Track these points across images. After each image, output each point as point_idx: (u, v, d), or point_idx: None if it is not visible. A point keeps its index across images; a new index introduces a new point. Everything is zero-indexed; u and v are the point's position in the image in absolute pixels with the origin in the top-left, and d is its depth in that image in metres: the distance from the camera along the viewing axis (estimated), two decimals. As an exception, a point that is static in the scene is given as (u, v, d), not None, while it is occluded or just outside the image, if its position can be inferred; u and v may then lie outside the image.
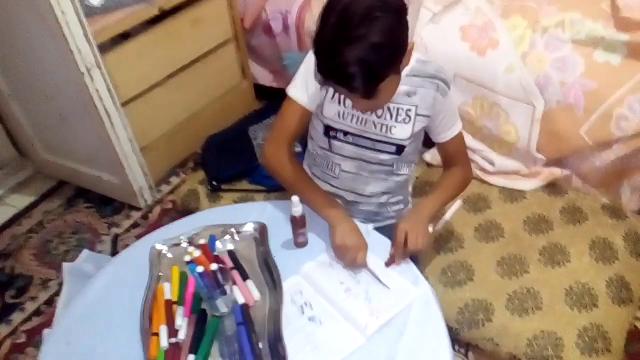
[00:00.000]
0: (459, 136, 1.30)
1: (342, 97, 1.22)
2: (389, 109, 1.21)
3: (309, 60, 1.23)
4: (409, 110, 1.21)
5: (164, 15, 2.02)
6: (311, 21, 2.19)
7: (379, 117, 1.22)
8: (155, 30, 2.03)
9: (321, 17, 0.99)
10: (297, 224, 1.18)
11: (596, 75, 1.67)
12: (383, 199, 1.39)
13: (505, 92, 1.78)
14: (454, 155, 1.34)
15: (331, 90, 1.22)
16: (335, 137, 1.28)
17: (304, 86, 1.24)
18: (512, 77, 1.75)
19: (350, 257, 1.15)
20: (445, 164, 1.38)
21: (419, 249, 1.18)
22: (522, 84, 1.74)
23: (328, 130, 1.27)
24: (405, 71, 1.15)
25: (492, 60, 1.79)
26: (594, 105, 1.65)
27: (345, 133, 1.26)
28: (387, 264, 1.16)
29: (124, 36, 1.94)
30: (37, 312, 1.84)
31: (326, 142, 1.30)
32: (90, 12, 1.78)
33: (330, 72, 0.99)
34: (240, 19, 2.36)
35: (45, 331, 1.67)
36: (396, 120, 1.22)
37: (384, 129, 1.23)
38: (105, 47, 1.84)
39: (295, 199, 1.15)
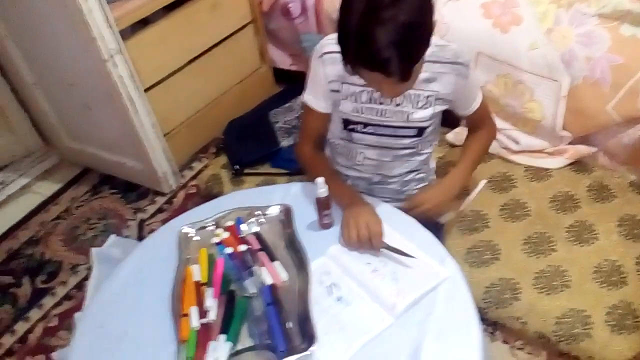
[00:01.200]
0: (483, 105, 1.32)
1: (357, 93, 1.21)
2: (409, 96, 1.20)
3: (315, 65, 1.23)
4: (430, 96, 1.21)
5: (182, 1, 2.02)
6: (330, 3, 2.17)
7: (398, 105, 1.22)
8: (175, 16, 2.03)
9: (343, 4, 0.97)
10: (322, 205, 1.18)
11: (623, 50, 1.63)
12: (409, 177, 1.40)
13: (529, 69, 1.74)
14: (479, 121, 1.37)
15: (345, 88, 1.21)
16: (354, 130, 1.28)
17: (314, 93, 1.26)
18: (537, 53, 1.72)
19: (354, 233, 1.13)
20: (470, 129, 1.42)
21: (427, 208, 1.26)
22: (547, 60, 1.70)
23: (347, 123, 1.27)
24: (414, 84, 1.15)
25: (515, 37, 1.76)
26: (621, 81, 1.61)
27: (365, 125, 1.26)
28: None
29: (143, 22, 1.94)
30: (67, 297, 1.88)
31: (346, 134, 1.30)
32: (111, -1, 1.79)
33: (364, 59, 0.97)
34: (259, 2, 2.35)
35: (76, 315, 1.71)
36: (416, 107, 1.22)
37: (403, 116, 1.23)
38: (126, 34, 1.85)
39: (320, 180, 1.15)
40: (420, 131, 1.27)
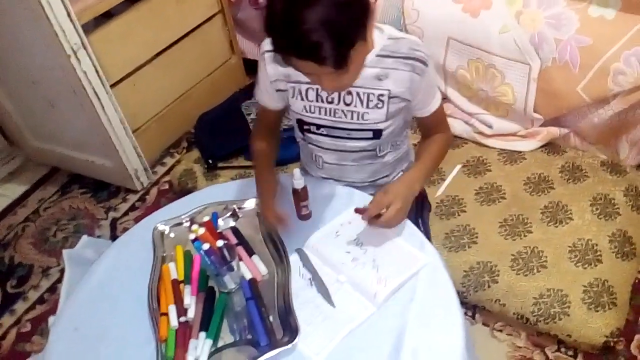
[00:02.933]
0: (440, 109, 1.20)
1: (304, 91, 1.14)
2: (358, 95, 1.12)
3: (259, 63, 1.17)
4: (381, 95, 1.11)
5: (147, -8, 1.97)
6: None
7: (348, 104, 1.13)
8: (139, 8, 1.98)
9: None
10: (299, 196, 1.17)
11: (591, 31, 1.65)
12: (382, 182, 1.31)
13: (500, 53, 1.76)
14: (434, 127, 1.24)
15: (291, 87, 1.16)
16: (309, 131, 1.21)
17: (262, 89, 1.21)
18: (507, 37, 1.73)
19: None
20: (423, 134, 1.27)
21: (389, 227, 1.11)
22: (517, 43, 1.72)
23: (301, 124, 1.22)
24: (375, 51, 1.08)
25: (485, 21, 1.77)
26: (590, 62, 1.64)
27: (318, 126, 1.19)
28: (356, 211, 1.12)
29: (107, 15, 1.89)
30: (40, 301, 1.83)
31: (302, 134, 1.25)
32: (72, -9, 1.73)
33: (292, 46, 0.90)
34: (226, -8, 2.31)
35: (51, 318, 1.67)
36: (368, 107, 1.13)
37: (355, 117, 1.14)
38: (89, 28, 1.80)
39: (296, 171, 1.13)
40: (377, 133, 1.17)
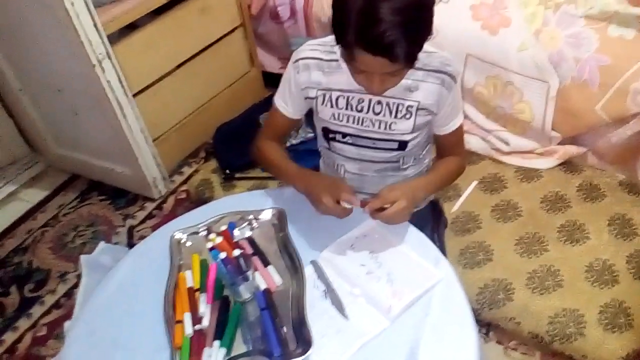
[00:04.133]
0: (459, 130, 1.22)
1: (334, 99, 1.16)
2: (388, 105, 1.15)
3: (289, 70, 1.19)
4: (410, 106, 1.14)
5: (171, 5, 2.02)
6: (319, 6, 2.18)
7: (377, 114, 1.16)
8: (163, 20, 2.02)
9: None
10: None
11: (611, 51, 1.65)
12: None
13: (518, 70, 1.76)
14: (451, 147, 1.26)
15: (321, 94, 1.18)
16: (334, 139, 1.23)
17: (283, 96, 1.22)
18: (526, 55, 1.74)
19: (321, 205, 1.08)
20: (439, 153, 1.29)
21: (391, 223, 1.11)
22: (536, 61, 1.72)
23: (327, 132, 1.24)
24: (403, 78, 1.10)
25: (504, 38, 1.78)
26: (609, 81, 1.64)
27: (344, 135, 1.21)
28: (362, 204, 1.11)
29: (132, 27, 1.93)
30: (56, 305, 1.86)
31: (327, 143, 1.27)
32: (99, 2, 1.78)
33: (369, 43, 0.92)
34: (247, 6, 2.35)
35: (67, 323, 1.69)
36: (396, 117, 1.16)
37: (383, 126, 1.17)
38: (114, 38, 1.84)
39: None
40: (402, 145, 1.19)
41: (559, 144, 1.82)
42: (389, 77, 1.02)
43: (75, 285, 1.87)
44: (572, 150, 1.79)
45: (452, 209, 1.61)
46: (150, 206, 2.18)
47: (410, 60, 0.96)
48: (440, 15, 1.84)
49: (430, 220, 1.37)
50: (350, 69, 1.07)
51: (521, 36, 1.75)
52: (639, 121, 1.65)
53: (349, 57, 1.00)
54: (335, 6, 0.97)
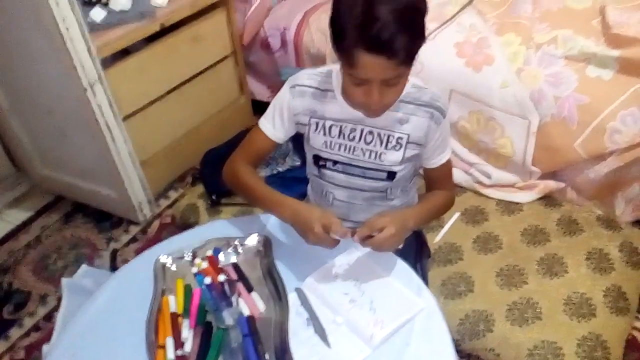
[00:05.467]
0: (447, 164, 1.26)
1: (327, 127, 1.20)
2: (379, 135, 1.18)
3: (283, 94, 1.22)
4: (400, 138, 1.18)
5: (164, 32, 2.05)
6: (308, 38, 2.23)
7: (368, 143, 1.19)
8: (156, 46, 2.06)
9: None
10: None
11: (589, 90, 1.71)
12: None
13: (500, 106, 1.82)
14: (440, 181, 1.29)
15: (314, 122, 1.21)
16: (324, 167, 1.26)
17: (272, 119, 1.24)
18: (507, 92, 1.79)
19: (310, 234, 1.08)
20: (428, 187, 1.32)
21: (381, 250, 1.11)
22: (517, 98, 1.78)
23: (317, 159, 1.26)
24: (400, 96, 1.14)
25: (487, 76, 1.83)
26: (587, 119, 1.69)
27: (335, 162, 1.24)
28: (352, 233, 1.10)
29: (125, 52, 1.96)
30: (35, 328, 1.83)
31: (317, 171, 1.29)
32: (93, 28, 1.81)
33: (368, 39, 0.95)
34: (239, 36, 2.40)
35: (45, 346, 1.66)
36: (386, 147, 1.19)
37: (373, 156, 1.21)
38: (106, 63, 1.87)
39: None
40: (391, 175, 1.23)
41: (539, 178, 1.86)
42: (386, 89, 1.04)
43: (56, 308, 1.85)
44: (551, 185, 1.84)
45: (435, 239, 1.63)
46: (134, 230, 2.17)
47: (408, 58, 0.99)
48: (426, 51, 1.89)
49: (414, 250, 1.39)
50: (348, 89, 1.10)
51: (503, 74, 1.81)
52: (615, 159, 1.70)
53: (348, 65, 1.02)
54: (334, 14, 1.01)
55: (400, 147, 1.19)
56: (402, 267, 1.20)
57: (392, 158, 1.20)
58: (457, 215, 1.47)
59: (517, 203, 1.83)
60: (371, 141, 1.19)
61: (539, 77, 1.78)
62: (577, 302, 1.47)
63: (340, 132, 1.20)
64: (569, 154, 1.75)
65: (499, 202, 1.85)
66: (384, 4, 0.94)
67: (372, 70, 1.00)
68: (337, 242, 1.11)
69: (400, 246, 1.16)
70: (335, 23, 1.01)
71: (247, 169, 1.27)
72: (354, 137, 1.20)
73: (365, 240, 1.09)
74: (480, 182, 1.92)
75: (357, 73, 1.02)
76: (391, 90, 1.06)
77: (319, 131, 1.22)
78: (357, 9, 0.96)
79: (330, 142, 1.22)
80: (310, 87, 1.19)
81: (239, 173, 1.26)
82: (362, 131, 1.19)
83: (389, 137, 1.18)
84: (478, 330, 1.45)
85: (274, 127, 1.25)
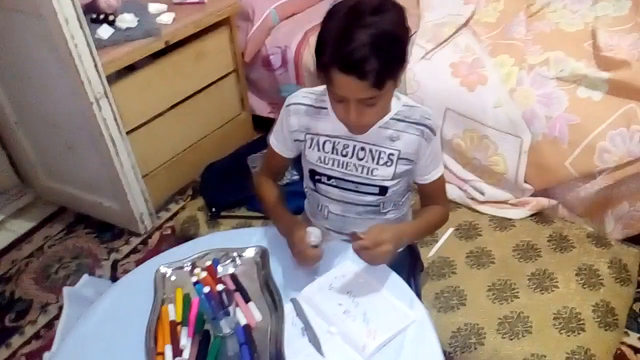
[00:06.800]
0: (440, 180, 1.28)
1: (322, 143, 1.24)
2: (371, 151, 1.22)
3: (282, 113, 1.28)
4: (392, 154, 1.21)
5: (169, 49, 2.11)
6: (308, 57, 2.29)
7: (360, 159, 1.23)
8: (161, 63, 2.12)
9: (327, 17, 1.05)
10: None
11: (579, 110, 1.76)
12: None
13: (494, 125, 1.86)
14: (433, 197, 1.32)
15: (309, 138, 1.25)
16: (320, 181, 1.30)
17: (277, 136, 1.31)
18: (500, 111, 1.84)
19: (297, 259, 1.19)
20: (422, 203, 1.35)
21: (373, 264, 1.16)
22: (510, 118, 1.82)
23: (313, 174, 1.30)
24: (391, 114, 1.19)
25: (481, 95, 1.88)
26: (578, 139, 1.73)
27: (329, 177, 1.27)
28: (353, 237, 1.14)
29: (130, 68, 2.01)
30: (36, 336, 1.86)
31: (313, 185, 1.33)
32: (100, 45, 1.86)
33: (340, 58, 1.00)
34: (241, 54, 2.46)
35: (46, 354, 1.68)
36: (378, 163, 1.23)
37: (365, 171, 1.24)
38: (112, 78, 1.92)
39: (313, 229, 1.18)
40: (383, 190, 1.26)
41: (531, 195, 1.90)
42: (364, 108, 1.08)
43: (57, 317, 1.88)
44: (543, 202, 1.87)
45: (429, 254, 1.66)
46: (135, 241, 2.21)
47: (378, 82, 1.02)
48: (423, 70, 1.98)
49: (407, 264, 1.42)
50: (333, 105, 1.15)
51: (497, 94, 1.85)
52: (605, 177, 1.74)
53: (327, 82, 1.07)
54: (320, 31, 1.06)
55: (392, 163, 1.23)
56: (396, 280, 1.22)
57: (383, 173, 1.24)
58: (450, 230, 1.51)
59: (510, 219, 1.86)
60: (363, 157, 1.23)
61: (531, 97, 1.82)
62: (566, 316, 1.50)
63: (333, 147, 1.24)
64: (560, 172, 1.79)
65: (492, 218, 1.88)
66: (362, 28, 0.99)
67: (345, 89, 1.05)
68: (318, 253, 1.17)
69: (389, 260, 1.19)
70: (318, 40, 1.06)
71: (266, 181, 1.37)
72: (346, 153, 1.24)
73: (361, 248, 1.13)
74: (474, 199, 1.96)
75: (333, 89, 1.08)
76: (370, 110, 1.10)
77: (314, 147, 1.26)
78: (338, 30, 1.01)
79: (324, 158, 1.26)
80: (305, 105, 1.25)
81: (258, 184, 1.38)
82: (354, 147, 1.23)
83: (380, 153, 1.22)
84: (470, 343, 1.48)
85: (279, 143, 1.32)
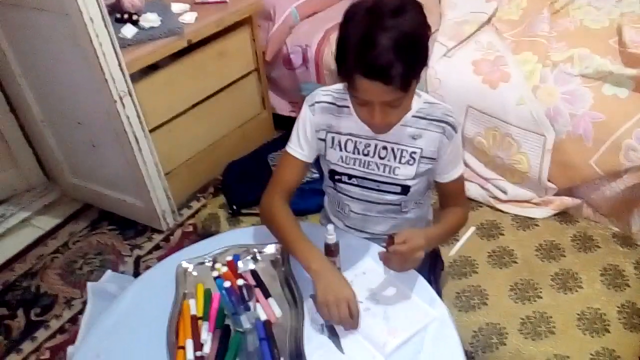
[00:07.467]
0: (460, 179, 1.27)
1: (343, 142, 1.23)
2: (393, 150, 1.21)
3: (304, 113, 1.26)
4: (414, 152, 1.21)
5: (191, 48, 2.13)
6: (329, 56, 2.29)
7: (382, 158, 1.22)
8: (183, 62, 2.14)
9: (345, 19, 1.04)
10: (330, 251, 1.19)
11: (604, 108, 1.73)
12: None
13: (516, 123, 1.84)
14: (452, 197, 1.30)
15: (330, 137, 1.24)
16: (340, 181, 1.29)
17: (297, 141, 1.26)
18: (524, 109, 1.81)
19: (336, 313, 1.07)
20: (441, 203, 1.33)
21: (400, 269, 1.13)
22: (533, 115, 1.80)
23: (333, 174, 1.29)
24: (412, 112, 1.18)
25: (504, 93, 1.86)
26: (603, 137, 1.70)
27: (350, 176, 1.26)
28: (388, 243, 1.10)
29: (153, 67, 2.04)
30: (61, 330, 1.89)
31: (333, 184, 1.32)
32: (124, 44, 1.89)
33: (365, 65, 0.99)
34: (262, 53, 2.47)
35: (70, 348, 1.72)
36: (400, 162, 1.22)
37: (387, 170, 1.23)
38: (136, 77, 1.95)
39: (330, 226, 1.17)
40: (405, 189, 1.25)
41: (555, 195, 1.87)
42: (388, 109, 1.08)
43: (81, 312, 1.91)
44: (567, 201, 1.85)
45: (450, 253, 1.65)
46: (157, 238, 2.24)
47: (404, 85, 1.02)
48: (444, 68, 1.97)
49: (428, 262, 1.42)
50: (355, 107, 1.14)
51: (520, 91, 1.83)
52: (631, 176, 1.71)
53: (350, 87, 1.06)
54: (339, 36, 1.05)
55: (414, 161, 1.22)
56: (416, 278, 1.22)
57: (405, 172, 1.23)
58: (472, 229, 1.50)
59: (533, 219, 1.84)
60: (385, 156, 1.23)
61: (555, 95, 1.80)
62: (591, 317, 1.48)
63: (355, 147, 1.24)
64: (585, 171, 1.76)
65: (515, 217, 1.86)
66: (384, 31, 0.98)
67: (370, 93, 1.04)
68: (356, 323, 1.11)
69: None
70: (339, 46, 1.05)
71: (283, 208, 1.24)
72: (368, 152, 1.23)
73: (390, 257, 1.10)
74: (496, 198, 1.94)
75: (357, 94, 1.07)
76: (394, 111, 1.09)
77: (335, 146, 1.25)
78: (359, 34, 1.00)
79: (346, 157, 1.25)
80: (328, 102, 1.24)
81: (274, 212, 1.24)
82: (376, 146, 1.22)
83: (402, 151, 1.21)
84: (491, 343, 1.46)
85: (301, 148, 1.27)
